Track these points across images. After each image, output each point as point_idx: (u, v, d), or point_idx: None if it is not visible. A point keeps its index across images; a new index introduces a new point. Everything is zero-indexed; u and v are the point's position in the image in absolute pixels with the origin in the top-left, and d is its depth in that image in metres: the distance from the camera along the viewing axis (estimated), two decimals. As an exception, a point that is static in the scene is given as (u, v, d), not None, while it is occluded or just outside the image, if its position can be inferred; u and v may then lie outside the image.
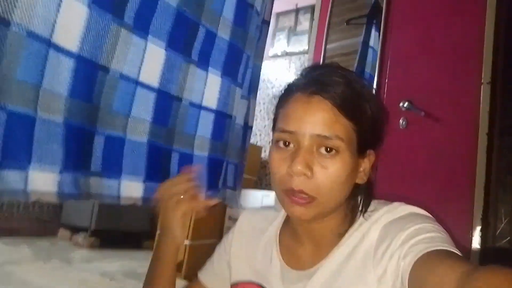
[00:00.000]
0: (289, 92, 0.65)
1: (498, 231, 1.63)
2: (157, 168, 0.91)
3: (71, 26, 0.71)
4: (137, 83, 0.85)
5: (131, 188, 0.85)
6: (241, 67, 1.22)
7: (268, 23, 1.40)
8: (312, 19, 2.54)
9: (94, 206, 2.97)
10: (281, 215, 0.78)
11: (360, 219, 0.65)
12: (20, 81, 0.64)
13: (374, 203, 0.66)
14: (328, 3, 2.16)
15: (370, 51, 2.05)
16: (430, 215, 0.60)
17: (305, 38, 2.56)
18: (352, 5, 2.24)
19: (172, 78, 0.94)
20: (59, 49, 0.70)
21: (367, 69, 2.04)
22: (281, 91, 0.69)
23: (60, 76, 0.70)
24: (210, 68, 1.08)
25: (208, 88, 1.07)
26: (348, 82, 0.61)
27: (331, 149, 0.58)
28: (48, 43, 0.68)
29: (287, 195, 0.60)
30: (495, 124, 1.59)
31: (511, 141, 1.68)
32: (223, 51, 1.13)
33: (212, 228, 2.42)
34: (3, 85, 0.62)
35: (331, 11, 2.15)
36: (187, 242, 2.24)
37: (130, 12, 0.83)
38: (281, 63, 2.83)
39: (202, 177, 1.02)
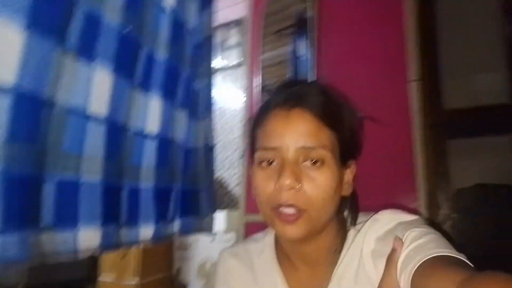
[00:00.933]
0: (266, 109, 0.62)
1: (440, 217, 1.73)
2: (111, 209, 0.80)
3: (5, 57, 0.58)
4: (86, 116, 0.73)
5: (89, 238, 0.73)
6: (179, 88, 1.13)
7: (210, 39, 1.34)
8: (242, 32, 2.53)
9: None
10: (268, 244, 0.72)
11: (351, 233, 0.64)
12: None
13: (361, 216, 0.66)
14: (258, 15, 2.17)
15: (300, 60, 2.10)
16: (416, 217, 0.60)
17: (235, 52, 2.54)
18: (280, 16, 2.28)
19: (119, 106, 0.83)
20: None
21: (300, 78, 2.09)
22: (256, 111, 0.66)
23: None
24: (151, 91, 0.98)
25: (150, 112, 0.97)
26: (324, 92, 0.60)
27: (317, 161, 0.56)
28: None
29: (276, 215, 0.57)
30: (426, 117, 1.70)
31: (441, 131, 1.82)
32: (162, 71, 1.05)
33: (162, 262, 2.23)
34: None
35: (262, 23, 2.17)
36: (135, 282, 2.04)
37: (73, 35, 0.71)
38: (216, 79, 2.76)
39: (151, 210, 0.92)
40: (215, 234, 1.15)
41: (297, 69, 2.04)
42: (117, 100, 0.82)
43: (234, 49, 2.57)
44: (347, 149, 0.60)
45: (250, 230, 1.83)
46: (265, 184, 0.58)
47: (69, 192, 0.69)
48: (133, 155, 0.89)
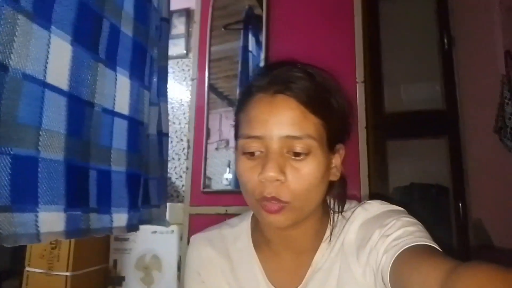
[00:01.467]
0: (249, 93, 0.58)
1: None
2: (77, 191, 0.70)
3: None
4: (44, 84, 0.64)
5: (51, 221, 0.63)
6: (146, 68, 1.07)
7: (167, 20, 1.27)
8: (188, 22, 2.45)
9: None
10: (244, 229, 0.69)
11: (336, 219, 0.63)
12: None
13: (347, 203, 0.64)
14: (208, 7, 2.13)
15: (250, 55, 2.09)
16: (404, 210, 0.61)
17: (181, 42, 2.46)
18: (228, 11, 2.27)
19: (81, 80, 0.75)
20: None
21: (251, 73, 2.09)
22: (240, 94, 0.63)
23: None
24: (118, 68, 0.91)
25: (118, 91, 0.89)
26: (311, 76, 0.57)
27: (301, 151, 0.54)
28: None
29: (261, 205, 0.55)
30: (369, 118, 1.78)
31: (382, 132, 1.92)
32: (129, 49, 0.97)
33: (97, 253, 2.09)
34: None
35: (211, 16, 2.13)
36: (67, 273, 1.89)
37: (26, -4, 0.63)
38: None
39: (123, 197, 0.86)
40: (168, 225, 1.09)
41: (246, 65, 2.04)
42: (79, 73, 0.73)
43: (179, 40, 2.49)
44: (335, 135, 0.58)
45: (194, 222, 1.79)
46: (249, 174, 0.55)
47: (26, 169, 0.59)
48: (102, 135, 0.81)
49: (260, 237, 0.66)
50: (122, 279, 2.06)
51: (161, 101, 1.12)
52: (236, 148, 0.60)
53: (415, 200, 1.90)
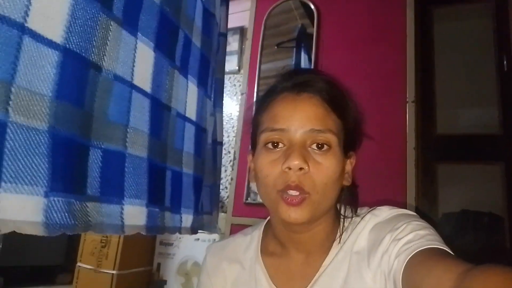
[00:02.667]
0: (274, 93, 0.61)
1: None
2: (157, 189, 0.73)
3: (51, 8, 0.53)
4: (132, 86, 0.68)
5: (134, 215, 0.66)
6: (209, 78, 1.11)
7: (225, 35, 1.31)
8: (241, 40, 2.52)
9: (-2, 239, 2.40)
10: (255, 237, 0.70)
11: (347, 224, 0.62)
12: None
13: (358, 209, 0.64)
14: (260, 26, 2.18)
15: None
16: (415, 214, 0.59)
17: (234, 59, 2.52)
18: (280, 30, 2.30)
19: (161, 84, 0.78)
20: (36, 36, 0.50)
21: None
22: (262, 95, 0.65)
23: (41, 70, 0.51)
24: (189, 76, 0.94)
25: (189, 97, 0.92)
26: (332, 82, 0.60)
27: (323, 145, 0.55)
28: (21, 28, 0.48)
29: (282, 197, 0.55)
30: (419, 139, 1.72)
31: (433, 154, 1.85)
32: (197, 59, 1.01)
33: (142, 255, 2.14)
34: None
35: (263, 34, 2.18)
36: (114, 271, 1.94)
37: (118, 3, 0.67)
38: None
39: (190, 199, 0.88)
40: (218, 232, 1.10)
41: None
42: (160, 78, 0.77)
43: (232, 56, 2.56)
44: (350, 139, 0.60)
45: (235, 232, 1.80)
46: (271, 166, 0.56)
47: (115, 163, 0.62)
48: (176, 138, 0.84)
49: (272, 242, 0.66)
50: (164, 282, 2.09)
51: (217, 112, 1.14)
52: (254, 145, 0.61)
53: (465, 228, 1.80)
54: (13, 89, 0.47)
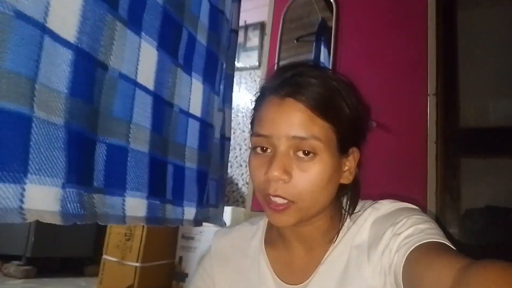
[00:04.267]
0: (263, 94, 0.62)
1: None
2: (157, 182, 0.79)
3: (66, 10, 0.59)
4: (135, 84, 0.74)
5: (135, 206, 0.72)
6: (217, 75, 1.15)
7: (236, 32, 1.35)
8: (261, 35, 2.55)
9: (30, 231, 2.57)
10: (261, 227, 0.72)
11: (348, 220, 0.63)
12: (10, 72, 0.50)
13: (361, 203, 0.65)
14: (279, 20, 2.20)
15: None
16: (417, 207, 0.59)
17: (254, 54, 2.57)
18: (300, 23, 2.30)
19: (164, 81, 0.84)
20: (55, 36, 0.56)
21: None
22: (255, 93, 0.66)
23: (58, 68, 0.57)
24: (193, 73, 1.00)
25: (192, 94, 0.98)
26: (323, 80, 0.58)
27: (308, 152, 0.55)
28: (42, 28, 0.54)
29: (267, 202, 0.57)
30: (440, 132, 1.69)
31: (455, 148, 1.82)
32: (203, 56, 1.06)
33: (164, 249, 2.23)
34: None
35: (282, 28, 2.19)
36: (137, 264, 2.04)
37: (123, 4, 0.72)
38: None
39: (193, 192, 0.92)
40: (224, 224, 1.14)
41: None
42: (162, 75, 0.83)
43: (253, 52, 2.59)
44: (346, 138, 0.59)
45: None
46: (257, 171, 0.57)
47: (118, 157, 0.69)
48: (178, 133, 0.90)
49: (276, 233, 0.68)
50: (186, 275, 2.17)
51: (226, 107, 1.20)
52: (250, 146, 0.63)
53: (490, 225, 1.75)
54: (36, 86, 0.53)
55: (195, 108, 0.99)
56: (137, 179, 0.72)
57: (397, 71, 1.81)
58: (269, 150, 0.57)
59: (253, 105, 0.64)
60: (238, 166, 2.61)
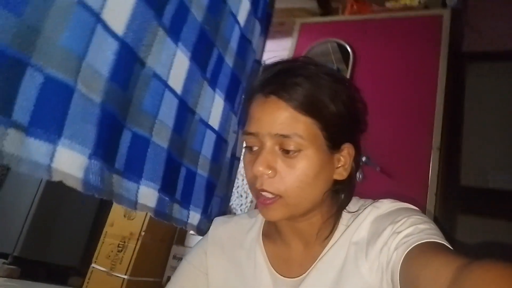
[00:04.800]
0: (251, 92, 0.63)
1: None
2: (169, 179, 0.83)
3: (120, 7, 0.66)
4: (166, 85, 0.80)
5: (147, 196, 0.75)
6: (238, 96, 1.21)
7: (259, 63, 1.43)
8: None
9: (23, 231, 2.55)
10: (259, 220, 0.72)
11: (347, 217, 0.63)
12: (63, 47, 0.56)
13: (361, 201, 0.65)
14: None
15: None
16: (417, 208, 0.60)
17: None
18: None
19: (191, 90, 0.90)
20: (106, 27, 0.63)
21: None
22: (245, 91, 0.69)
23: (104, 54, 0.63)
24: (217, 89, 1.06)
25: (214, 108, 1.03)
26: (308, 78, 0.57)
27: (292, 149, 0.56)
28: (97, 17, 0.61)
29: (257, 196, 0.59)
30: (441, 186, 1.72)
31: (455, 204, 1.84)
32: (228, 77, 1.13)
33: (154, 266, 2.20)
34: (45, 48, 0.53)
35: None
36: (125, 276, 2.00)
37: (168, 14, 0.80)
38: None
39: (200, 199, 0.95)
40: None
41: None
42: (190, 84, 0.89)
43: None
44: (336, 134, 0.59)
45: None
46: (248, 167, 0.59)
47: (140, 146, 0.73)
48: (196, 140, 0.94)
49: (273, 228, 0.69)
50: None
51: (240, 129, 1.24)
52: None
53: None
54: (83, 64, 0.59)
55: (214, 121, 1.04)
56: (153, 171, 0.76)
57: (405, 124, 1.87)
58: (256, 148, 0.59)
59: (244, 104, 0.67)
60: (239, 196, 2.62)
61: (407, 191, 1.77)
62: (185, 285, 0.70)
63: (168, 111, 0.80)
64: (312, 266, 0.61)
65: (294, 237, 0.65)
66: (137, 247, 2.11)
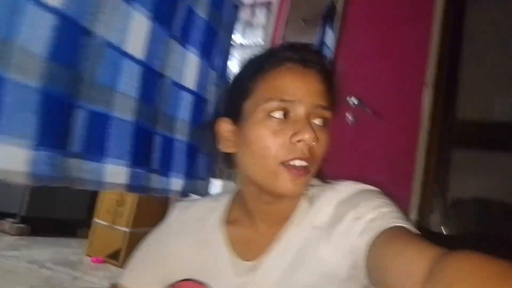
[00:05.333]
0: (276, 61, 0.59)
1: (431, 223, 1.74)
2: (142, 151, 0.79)
3: None
4: (123, 53, 0.73)
5: (116, 174, 0.73)
6: (215, 50, 1.13)
7: (237, 7, 1.32)
8: (268, 14, 2.50)
9: (26, 190, 2.61)
10: (223, 203, 0.70)
11: (308, 200, 0.61)
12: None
13: (321, 183, 0.63)
14: (285, 0, 2.15)
15: (326, 50, 2.08)
16: (380, 190, 0.59)
17: (259, 32, 2.53)
18: (308, 5, 2.25)
19: (156, 52, 0.83)
20: (38, 1, 0.56)
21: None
22: (253, 61, 0.63)
23: (38, 32, 0.56)
24: (190, 46, 0.98)
25: (187, 67, 0.97)
26: (330, 62, 0.66)
27: (325, 120, 0.58)
28: None
29: (286, 169, 0.55)
30: (436, 124, 1.68)
31: (451, 141, 1.81)
32: (201, 30, 1.04)
33: (155, 216, 2.25)
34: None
35: (290, 8, 2.14)
36: (127, 229, 2.07)
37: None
38: (235, 54, 2.78)
39: (181, 165, 0.92)
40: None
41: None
42: (154, 46, 0.82)
43: (258, 30, 2.54)
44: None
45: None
46: (273, 138, 0.55)
47: (99, 124, 0.69)
48: (169, 105, 0.90)
49: (238, 211, 0.67)
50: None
51: (221, 84, 1.17)
52: (230, 119, 0.61)
53: (476, 217, 1.76)
54: (14, 48, 0.53)
55: (189, 81, 0.98)
56: (119, 147, 0.73)
57: (399, 59, 1.78)
58: (279, 116, 0.55)
59: (255, 71, 0.60)
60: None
61: (398, 132, 1.75)
62: (144, 268, 0.70)
63: (128, 81, 0.74)
64: (269, 248, 0.60)
65: (261, 220, 0.63)
66: (135, 200, 2.15)
